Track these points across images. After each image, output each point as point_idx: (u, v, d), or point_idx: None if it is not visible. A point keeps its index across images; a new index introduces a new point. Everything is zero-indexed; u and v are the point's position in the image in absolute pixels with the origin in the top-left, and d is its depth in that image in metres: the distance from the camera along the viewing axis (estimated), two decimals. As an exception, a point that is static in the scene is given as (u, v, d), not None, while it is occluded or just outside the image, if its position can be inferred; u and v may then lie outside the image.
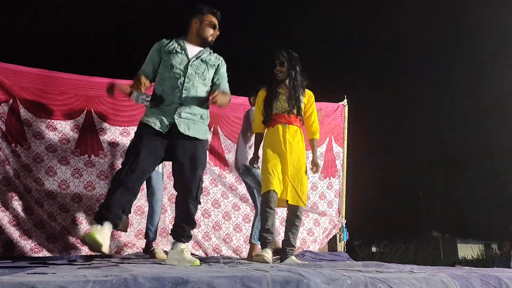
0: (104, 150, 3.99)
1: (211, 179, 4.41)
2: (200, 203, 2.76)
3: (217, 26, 2.86)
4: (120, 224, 2.75)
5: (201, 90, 2.75)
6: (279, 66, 3.24)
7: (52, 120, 3.86)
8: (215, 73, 2.87)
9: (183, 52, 2.77)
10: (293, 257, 3.05)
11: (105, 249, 2.37)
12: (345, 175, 5.06)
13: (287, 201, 3.12)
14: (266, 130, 3.31)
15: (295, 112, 3.21)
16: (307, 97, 3.34)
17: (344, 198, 5.01)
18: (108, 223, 2.42)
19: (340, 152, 5.06)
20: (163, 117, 2.64)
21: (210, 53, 2.87)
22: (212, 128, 4.51)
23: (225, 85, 2.89)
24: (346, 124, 5.13)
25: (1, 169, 3.64)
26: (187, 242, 2.70)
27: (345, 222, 4.95)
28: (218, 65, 2.88)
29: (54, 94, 3.90)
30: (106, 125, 4.04)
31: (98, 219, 2.46)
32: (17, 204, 3.63)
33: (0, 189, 3.61)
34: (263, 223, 3.03)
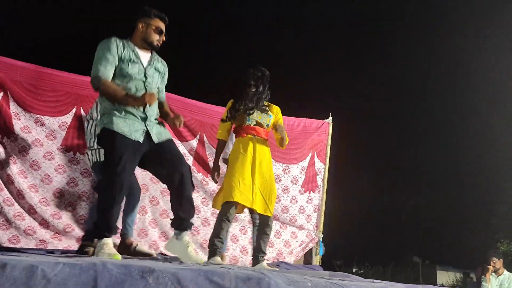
0: (89, 149, 4.06)
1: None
2: (194, 189, 2.78)
3: (164, 31, 2.77)
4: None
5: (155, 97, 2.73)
6: (253, 86, 3.33)
7: (41, 116, 3.92)
8: (162, 79, 2.87)
9: (139, 60, 2.68)
10: (264, 263, 3.14)
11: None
12: (325, 191, 5.17)
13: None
14: (234, 140, 3.41)
15: (265, 125, 3.33)
16: (275, 112, 3.47)
17: (322, 213, 5.12)
18: (110, 238, 2.53)
19: (321, 168, 5.18)
20: (135, 123, 2.60)
21: (157, 59, 2.82)
22: (198, 135, 4.62)
23: (164, 91, 2.92)
24: (329, 141, 5.27)
25: (-14, 160, 3.69)
26: (190, 230, 2.73)
27: (322, 236, 5.04)
28: (165, 72, 2.89)
29: (45, 90, 3.97)
30: (93, 124, 4.10)
31: (99, 237, 2.53)
32: (-2, 194, 3.67)
33: (-17, 178, 3.66)
34: (218, 231, 3.09)
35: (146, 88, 2.67)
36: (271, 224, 3.21)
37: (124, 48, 2.64)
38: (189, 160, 4.49)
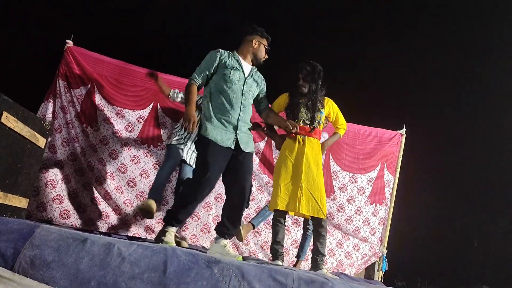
0: (162, 143, 4.24)
1: (258, 186, 4.52)
2: (248, 207, 2.93)
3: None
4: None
5: (250, 107, 3.02)
6: (302, 80, 3.25)
7: (122, 108, 4.17)
8: (260, 91, 3.12)
9: (241, 69, 2.96)
10: (325, 270, 3.06)
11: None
12: (392, 204, 4.95)
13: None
14: (285, 138, 3.34)
15: (315, 125, 3.25)
16: (328, 105, 3.36)
17: (388, 228, 4.89)
18: (175, 228, 2.81)
19: (391, 180, 4.97)
20: (227, 133, 2.83)
21: (255, 71, 3.09)
22: (266, 138, 4.64)
23: (265, 100, 3.20)
24: (401, 153, 5.04)
25: (71, 146, 3.99)
26: (229, 239, 2.93)
27: (386, 252, 4.83)
28: (262, 84, 3.14)
29: (127, 85, 4.22)
30: (168, 119, 4.29)
31: (167, 223, 2.81)
32: (78, 179, 3.95)
33: (67, 163, 3.96)
34: (274, 236, 3.10)
35: (243, 94, 2.91)
36: (325, 225, 3.12)
37: (228, 57, 2.96)
38: (256, 161, 4.53)
